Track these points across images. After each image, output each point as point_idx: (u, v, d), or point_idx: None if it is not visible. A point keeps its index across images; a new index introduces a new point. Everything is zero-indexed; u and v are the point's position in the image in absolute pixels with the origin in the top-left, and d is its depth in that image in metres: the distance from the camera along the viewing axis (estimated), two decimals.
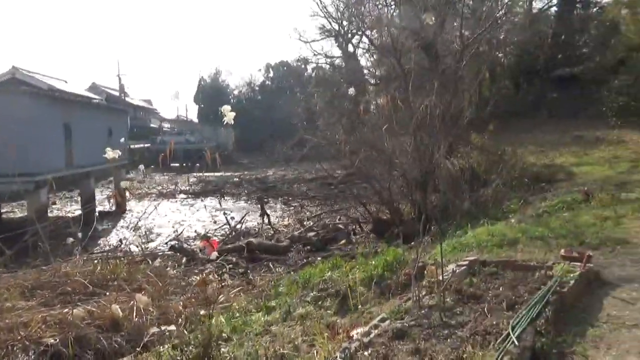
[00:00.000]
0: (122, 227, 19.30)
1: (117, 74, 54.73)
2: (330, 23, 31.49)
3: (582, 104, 23.01)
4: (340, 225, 15.18)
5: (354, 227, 15.03)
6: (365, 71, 31.54)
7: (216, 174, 34.08)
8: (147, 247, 13.48)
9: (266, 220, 16.26)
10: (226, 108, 4.73)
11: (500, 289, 4.47)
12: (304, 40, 33.00)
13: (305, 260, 11.73)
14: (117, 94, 52.68)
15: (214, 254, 6.15)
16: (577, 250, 5.63)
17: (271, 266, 11.41)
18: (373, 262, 7.01)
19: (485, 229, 8.27)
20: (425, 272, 5.28)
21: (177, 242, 13.89)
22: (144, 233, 16.03)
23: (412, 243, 11.52)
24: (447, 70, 13.95)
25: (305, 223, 16.46)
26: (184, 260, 11.34)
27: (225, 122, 4.71)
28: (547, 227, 7.59)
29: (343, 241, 13.52)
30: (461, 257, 6.69)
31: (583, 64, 24.89)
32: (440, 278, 4.41)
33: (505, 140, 23.24)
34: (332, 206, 20.34)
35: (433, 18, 13.46)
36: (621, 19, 25.31)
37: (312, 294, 6.07)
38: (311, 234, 14.09)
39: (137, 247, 12.38)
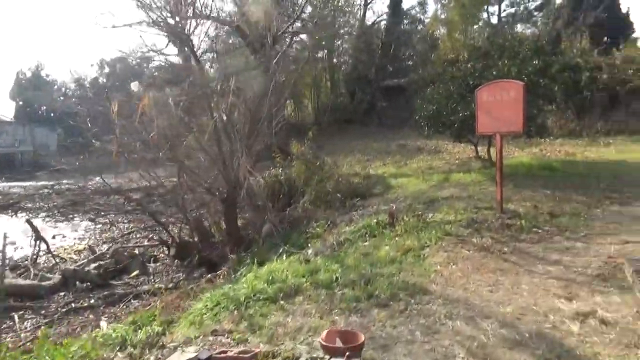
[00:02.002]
0: None
1: None
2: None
3: (407, 113, 23.27)
4: (137, 251, 12.26)
5: (162, 250, 12.33)
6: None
7: (26, 183, 28.16)
8: None
9: (44, 247, 12.55)
10: None
11: None
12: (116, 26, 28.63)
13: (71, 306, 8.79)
14: None
15: None
16: (350, 327, 3.83)
17: (17, 319, 8.16)
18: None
19: (268, 268, 6.31)
20: None
21: None
22: None
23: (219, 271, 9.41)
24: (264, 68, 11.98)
25: (98, 248, 13.15)
26: None
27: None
28: (341, 265, 5.86)
29: (136, 272, 10.68)
30: (208, 330, 4.55)
31: (408, 76, 25.44)
32: None
33: (337, 148, 22.46)
34: (147, 222, 17.15)
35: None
36: (440, 36, 26.49)
37: None
38: (94, 265, 10.94)
39: None
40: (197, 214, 12.44)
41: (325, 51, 31.90)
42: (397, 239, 6.72)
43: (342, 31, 32.03)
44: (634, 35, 25.60)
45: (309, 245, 7.73)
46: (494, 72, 9.91)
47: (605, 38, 19.01)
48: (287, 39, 27.48)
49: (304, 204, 9.89)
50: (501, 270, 5.14)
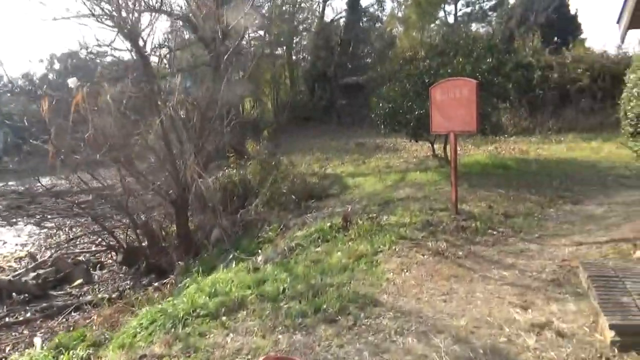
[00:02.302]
0: None
1: None
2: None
3: (366, 111, 23.12)
4: (82, 257, 11.49)
5: (111, 255, 11.58)
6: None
7: None
8: None
9: None
10: None
11: None
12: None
13: (5, 321, 8.04)
14: None
15: None
16: (292, 348, 3.46)
17: None
18: None
19: (213, 278, 5.87)
20: None
21: None
22: None
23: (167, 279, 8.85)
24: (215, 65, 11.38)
25: (41, 255, 12.27)
26: None
27: None
28: (290, 274, 5.49)
29: (79, 281, 9.94)
30: (137, 355, 4.08)
31: (367, 74, 25.29)
32: None
33: (296, 147, 22.07)
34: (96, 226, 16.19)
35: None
36: (398, 34, 26.50)
37: None
38: (33, 274, 10.11)
39: None
40: (146, 217, 11.77)
41: (285, 47, 31.45)
42: (350, 243, 6.40)
43: (300, 27, 31.69)
44: (582, 36, 26.44)
45: (260, 251, 7.31)
46: (449, 70, 9.76)
47: (555, 38, 19.42)
48: (246, 34, 26.92)
49: (257, 206, 9.44)
50: (455, 277, 4.89)
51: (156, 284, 8.62)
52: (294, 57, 32.21)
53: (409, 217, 7.05)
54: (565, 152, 11.86)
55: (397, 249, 5.91)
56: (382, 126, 11.04)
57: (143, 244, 10.72)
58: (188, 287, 6.14)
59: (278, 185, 10.84)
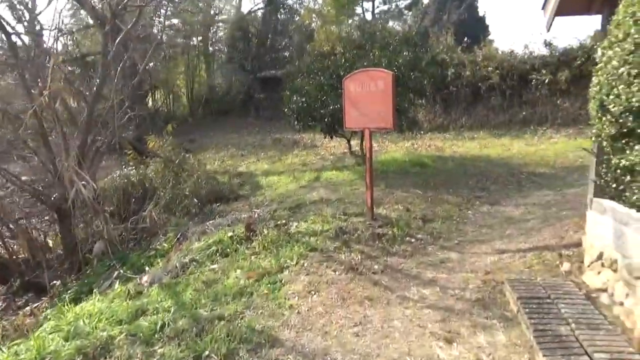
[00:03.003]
0: None
1: None
2: None
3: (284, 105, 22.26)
4: None
5: None
6: None
7: None
8: None
9: None
10: None
11: None
12: None
13: None
14: None
15: None
16: None
17: None
18: None
19: (80, 309, 4.66)
20: None
21: None
22: None
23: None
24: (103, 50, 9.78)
25: None
26: None
27: None
28: (176, 302, 4.44)
29: None
30: None
31: (286, 67, 24.33)
32: None
33: (212, 142, 20.67)
34: None
35: None
36: (316, 27, 25.80)
37: None
38: None
39: None
40: (25, 224, 10.00)
41: (201, 38, 29.60)
42: (253, 258, 5.46)
43: (217, 18, 29.99)
44: (490, 37, 27.41)
45: (148, 268, 6.15)
46: (365, 63, 9.09)
47: (465, 38, 19.69)
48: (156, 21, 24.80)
49: (152, 212, 8.16)
50: (370, 301, 4.12)
51: (29, 307, 7.16)
52: (210, 49, 30.44)
53: (321, 223, 6.24)
54: (478, 150, 11.74)
55: (305, 264, 5.06)
56: (296, 122, 10.16)
57: (16, 257, 9.02)
58: (50, 320, 4.87)
59: (180, 186, 9.62)
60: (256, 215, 7.21)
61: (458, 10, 21.34)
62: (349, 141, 11.70)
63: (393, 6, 33.11)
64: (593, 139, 3.85)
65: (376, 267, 4.91)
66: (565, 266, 4.07)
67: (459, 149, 12.10)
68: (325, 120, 9.33)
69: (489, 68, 15.38)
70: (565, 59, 14.26)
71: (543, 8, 4.19)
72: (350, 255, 5.21)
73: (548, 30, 4.21)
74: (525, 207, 6.63)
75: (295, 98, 9.96)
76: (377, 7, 32.11)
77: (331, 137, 10.20)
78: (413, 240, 5.65)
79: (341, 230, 5.94)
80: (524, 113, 14.71)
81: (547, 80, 14.17)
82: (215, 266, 5.43)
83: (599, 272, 3.69)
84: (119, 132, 10.47)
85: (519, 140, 12.78)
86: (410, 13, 32.16)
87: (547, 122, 14.22)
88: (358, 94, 6.10)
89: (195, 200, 8.76)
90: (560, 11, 3.92)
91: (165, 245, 7.01)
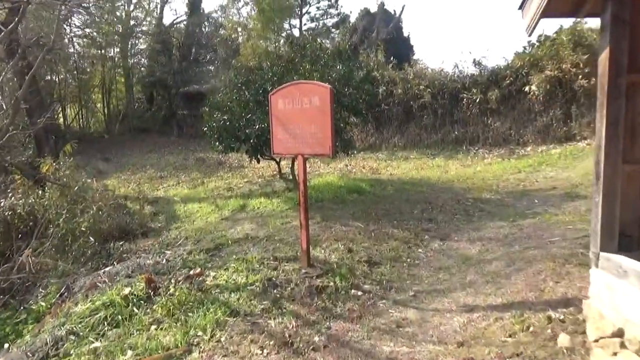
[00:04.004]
0: None
1: None
2: None
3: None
4: None
5: None
6: None
7: None
8: None
9: None
10: None
11: None
12: None
13: None
14: None
15: None
16: None
17: None
18: None
19: None
20: None
21: None
22: None
23: None
24: None
25: None
26: None
27: None
28: None
29: None
30: None
31: (210, 82, 22.75)
32: None
33: (129, 162, 18.57)
34: None
35: None
36: (242, 41, 24.54)
37: None
38: None
39: None
40: None
41: (118, 49, 27.14)
42: (152, 328, 4.02)
43: (137, 29, 27.67)
44: (415, 57, 27.64)
45: (6, 346, 4.47)
46: (295, 77, 7.95)
47: (392, 57, 19.37)
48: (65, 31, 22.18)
49: (29, 256, 6.34)
50: None
51: None
52: (130, 61, 27.97)
53: (246, 273, 4.91)
54: (416, 172, 10.99)
55: (223, 339, 3.72)
56: (217, 143, 8.76)
57: None
58: None
59: (77, 219, 7.83)
60: (164, 260, 5.72)
61: (385, 29, 21.02)
62: (278, 163, 10.48)
63: (320, 24, 32.66)
64: (597, 169, 2.92)
65: (317, 338, 3.68)
66: (563, 339, 3.08)
67: (395, 171, 11.29)
68: (251, 141, 8.03)
69: (421, 86, 14.93)
70: (494, 78, 14.09)
71: (521, 8, 3.27)
72: (282, 322, 3.93)
73: (530, 35, 3.29)
74: (481, 243, 5.72)
75: (216, 115, 8.58)
76: (305, 24, 31.48)
77: (257, 161, 8.90)
78: (360, 293, 4.49)
79: (271, 282, 4.64)
80: (455, 133, 14.33)
81: (478, 99, 13.89)
82: (98, 344, 3.90)
83: (615, 354, 2.72)
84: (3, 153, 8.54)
85: (453, 161, 12.25)
86: (337, 31, 31.85)
87: (479, 141, 13.92)
88: (288, 112, 4.90)
89: (91, 238, 7.03)
90: (547, 11, 3.00)
91: (42, 304, 5.30)
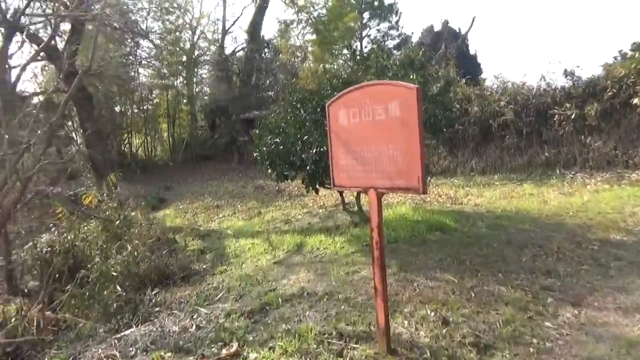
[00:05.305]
0: None
1: None
2: None
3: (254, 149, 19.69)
4: None
5: None
6: None
7: None
8: None
9: None
10: None
11: None
12: None
13: None
14: None
15: None
16: None
17: None
18: None
19: None
20: None
21: None
22: None
23: None
24: None
25: None
26: None
27: None
28: None
29: None
30: None
31: (270, 108, 21.97)
32: None
33: (189, 190, 17.92)
34: None
35: None
36: (299, 65, 23.77)
37: None
38: None
39: None
40: None
41: (183, 79, 27.32)
42: None
43: (201, 58, 27.78)
44: (482, 76, 25.48)
45: None
46: None
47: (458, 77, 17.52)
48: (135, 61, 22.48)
49: (43, 310, 5.18)
50: None
51: None
52: (195, 89, 28.07)
53: (298, 356, 3.36)
54: (505, 201, 9.01)
55: None
56: (269, 169, 7.40)
57: None
58: None
59: (113, 260, 6.71)
60: (194, 326, 4.31)
61: (455, 42, 19.22)
62: (341, 194, 8.96)
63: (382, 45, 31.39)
64: None
65: None
66: None
67: (479, 200, 9.38)
68: (307, 168, 6.57)
69: (501, 102, 12.92)
70: (591, 90, 11.82)
71: None
72: None
73: None
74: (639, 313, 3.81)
75: (268, 139, 7.26)
76: (365, 47, 30.37)
77: (316, 192, 7.41)
78: None
79: None
80: (546, 154, 12.11)
81: (572, 115, 11.67)
82: None
83: None
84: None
85: (548, 188, 10.11)
86: (399, 53, 30.41)
87: (576, 164, 11.62)
88: (354, 127, 3.38)
89: (118, 288, 5.81)
90: None
91: None
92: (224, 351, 3.62)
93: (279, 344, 3.61)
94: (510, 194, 9.74)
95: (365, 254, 5.99)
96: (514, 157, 12.63)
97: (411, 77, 7.07)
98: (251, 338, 3.87)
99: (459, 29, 25.64)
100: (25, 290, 7.09)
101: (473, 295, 4.35)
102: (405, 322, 3.83)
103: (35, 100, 15.33)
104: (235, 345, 3.69)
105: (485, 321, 3.83)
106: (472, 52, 25.93)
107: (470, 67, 21.86)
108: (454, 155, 13.67)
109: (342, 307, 4.26)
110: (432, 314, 3.95)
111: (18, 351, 4.84)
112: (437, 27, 27.24)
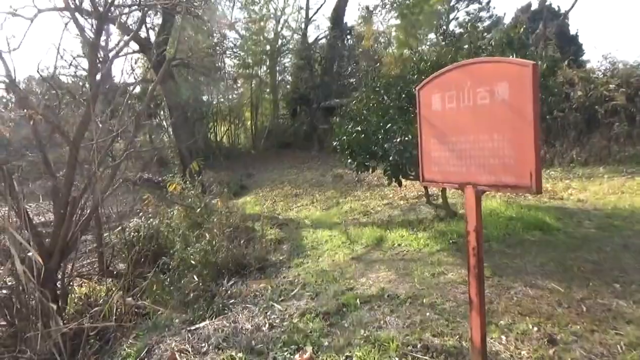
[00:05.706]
0: None
1: None
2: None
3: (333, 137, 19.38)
4: None
5: None
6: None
7: None
8: None
9: None
10: None
11: None
12: None
13: None
14: None
15: None
16: None
17: None
18: None
19: None
20: None
21: None
22: None
23: None
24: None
25: None
26: None
27: None
28: None
29: None
30: None
31: (352, 95, 21.60)
32: None
33: (268, 178, 18.26)
34: None
35: None
36: (381, 52, 23.06)
37: None
38: None
39: None
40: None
41: (266, 67, 27.81)
42: None
43: (284, 48, 28.09)
44: (584, 57, 23.03)
45: None
46: None
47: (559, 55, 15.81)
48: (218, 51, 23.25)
49: (123, 297, 5.32)
50: None
51: None
52: (278, 78, 28.49)
53: None
54: (615, 197, 7.90)
55: None
56: (349, 159, 7.07)
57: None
58: None
59: (192, 248, 6.81)
60: (267, 324, 4.13)
61: (554, 21, 17.43)
62: (426, 187, 8.41)
63: (469, 29, 29.55)
64: None
65: None
66: None
67: (583, 195, 8.33)
68: (390, 158, 6.14)
69: (610, 86, 11.43)
70: None
71: None
72: None
73: None
74: None
75: (349, 127, 6.92)
76: (453, 30, 28.74)
77: (399, 184, 6.94)
78: None
79: None
80: None
81: None
82: None
83: None
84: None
85: None
86: (490, 35, 28.45)
87: None
88: (450, 113, 2.92)
89: (195, 278, 5.84)
90: None
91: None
92: (297, 356, 3.37)
93: (357, 354, 3.30)
94: (620, 189, 8.54)
95: (452, 254, 5.47)
96: (624, 146, 11.14)
97: (511, 57, 6.31)
98: (326, 343, 3.59)
99: (558, 7, 23.44)
100: (115, 273, 7.45)
101: (584, 309, 3.71)
102: (503, 337, 3.32)
103: (130, 90, 16.38)
104: (309, 351, 3.44)
105: (602, 343, 3.22)
106: (572, 32, 23.62)
107: (571, 48, 19.87)
108: (550, 145, 12.39)
109: (428, 314, 3.84)
110: (535, 329, 3.40)
111: (103, 332, 5.01)
112: (534, 6, 25.12)
